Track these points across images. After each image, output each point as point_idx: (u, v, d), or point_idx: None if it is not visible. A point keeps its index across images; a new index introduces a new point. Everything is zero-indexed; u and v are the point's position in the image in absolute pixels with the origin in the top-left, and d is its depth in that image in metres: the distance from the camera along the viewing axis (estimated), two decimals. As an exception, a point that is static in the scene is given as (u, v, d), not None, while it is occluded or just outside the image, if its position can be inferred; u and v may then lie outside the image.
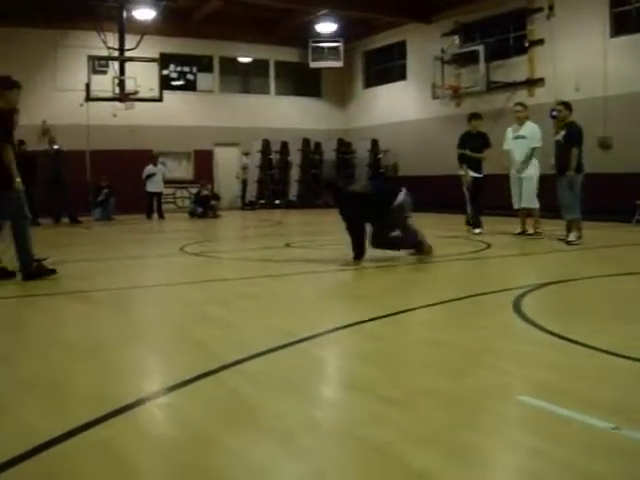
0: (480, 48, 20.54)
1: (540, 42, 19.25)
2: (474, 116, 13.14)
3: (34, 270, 7.64)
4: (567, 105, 10.93)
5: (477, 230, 12.50)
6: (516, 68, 20.08)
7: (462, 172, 12.71)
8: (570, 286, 7.21)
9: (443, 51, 22.08)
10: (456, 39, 21.98)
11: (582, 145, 10.54)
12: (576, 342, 4.47)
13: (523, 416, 3.22)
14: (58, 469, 2.66)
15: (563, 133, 10.62)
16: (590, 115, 16.21)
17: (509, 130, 12.17)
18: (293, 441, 2.92)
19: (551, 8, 18.72)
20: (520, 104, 12.35)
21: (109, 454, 2.79)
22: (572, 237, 10.55)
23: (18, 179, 7.54)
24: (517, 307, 5.65)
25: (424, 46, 23.14)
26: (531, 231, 11.82)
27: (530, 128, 11.81)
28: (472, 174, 12.60)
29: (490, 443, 2.90)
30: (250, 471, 2.65)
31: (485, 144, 12.71)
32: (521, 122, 11.96)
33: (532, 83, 19.46)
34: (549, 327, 4.89)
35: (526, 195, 11.81)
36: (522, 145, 11.80)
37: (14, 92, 7.85)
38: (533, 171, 11.82)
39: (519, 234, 12.01)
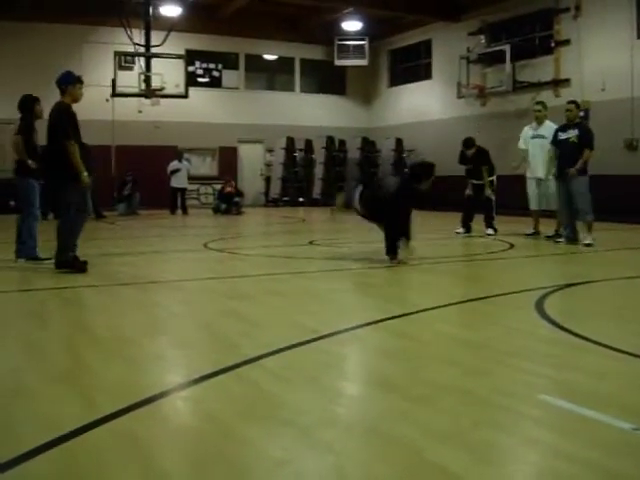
0: (506, 48, 20.45)
1: (566, 42, 19.12)
2: (467, 145, 12.77)
3: (68, 260, 7.83)
4: (578, 104, 10.78)
5: (490, 231, 12.45)
6: (542, 68, 19.97)
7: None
8: (593, 287, 7.18)
9: (469, 50, 22.01)
10: (482, 38, 21.90)
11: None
12: (598, 343, 4.46)
13: (544, 415, 3.21)
14: (83, 457, 2.70)
15: (576, 133, 10.46)
16: (616, 116, 16.14)
17: (526, 128, 12.01)
18: (314, 435, 2.93)
19: (578, 8, 18.59)
20: (540, 103, 12.13)
21: (133, 444, 2.83)
22: (589, 240, 10.36)
23: (85, 173, 7.94)
24: (540, 307, 5.64)
25: (450, 45, 23.07)
26: (549, 233, 11.66)
27: (550, 128, 11.41)
28: (474, 182, 12.70)
29: (511, 441, 2.90)
30: (270, 463, 2.67)
31: (484, 162, 12.60)
32: (540, 121, 11.74)
33: (558, 83, 19.33)
34: (571, 328, 4.88)
35: (551, 197, 11.50)
36: (541, 145, 11.54)
37: (77, 87, 8.10)
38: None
39: (532, 234, 11.94)
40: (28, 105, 8.71)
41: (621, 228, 13.33)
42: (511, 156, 12.90)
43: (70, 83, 8.02)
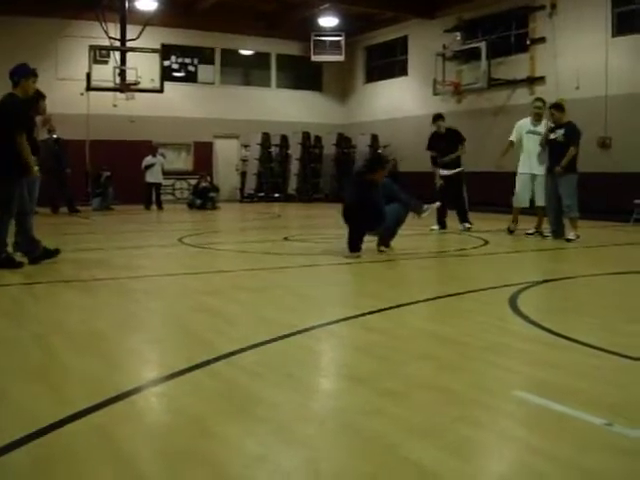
0: (482, 45, 20.50)
1: (542, 40, 19.22)
2: (437, 117, 12.97)
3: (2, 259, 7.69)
4: (557, 107, 10.82)
5: (467, 225, 12.46)
6: (517, 66, 20.06)
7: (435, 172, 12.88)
8: (567, 284, 7.23)
9: (445, 47, 22.03)
10: (458, 35, 21.94)
11: (579, 145, 10.58)
12: (572, 339, 4.49)
13: (518, 411, 3.24)
14: (56, 453, 2.68)
15: (562, 132, 10.62)
16: (590, 114, 16.23)
17: (523, 122, 11.80)
18: (289, 431, 2.93)
19: (553, 6, 18.70)
20: (540, 99, 11.93)
21: (106, 440, 2.81)
22: (572, 235, 10.59)
23: (36, 168, 7.76)
24: (514, 304, 5.67)
25: (426, 42, 23.10)
26: (531, 231, 11.65)
27: (546, 126, 11.30)
28: (443, 172, 12.68)
29: (486, 437, 2.92)
30: (246, 459, 2.67)
31: (458, 140, 12.71)
32: (538, 118, 11.59)
33: (533, 81, 19.43)
34: (545, 324, 4.91)
35: (542, 193, 11.37)
36: (538, 141, 11.33)
37: (31, 81, 7.84)
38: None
39: (533, 233, 11.65)
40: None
41: (593, 225, 13.43)
42: (487, 153, 12.95)
43: (24, 76, 7.74)
